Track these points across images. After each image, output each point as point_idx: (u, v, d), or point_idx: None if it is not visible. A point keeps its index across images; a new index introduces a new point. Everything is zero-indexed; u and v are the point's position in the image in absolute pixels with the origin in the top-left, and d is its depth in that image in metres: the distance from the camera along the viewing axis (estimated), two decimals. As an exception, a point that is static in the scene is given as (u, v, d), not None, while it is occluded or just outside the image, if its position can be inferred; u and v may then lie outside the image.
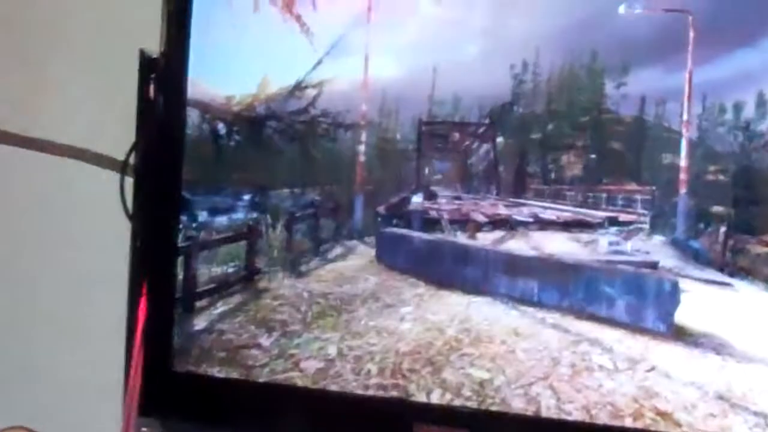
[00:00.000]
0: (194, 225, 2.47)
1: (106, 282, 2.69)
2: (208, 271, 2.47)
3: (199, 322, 2.45)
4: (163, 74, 2.52)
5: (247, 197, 2.45)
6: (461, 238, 2.33)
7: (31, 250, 3.12)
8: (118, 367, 2.52)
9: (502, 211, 2.33)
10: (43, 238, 3.11)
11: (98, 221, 2.89)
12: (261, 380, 2.38)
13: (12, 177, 3.24)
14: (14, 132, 3.17)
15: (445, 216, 2.34)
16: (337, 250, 2.41)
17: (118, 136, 2.66)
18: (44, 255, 3.09)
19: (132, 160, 2.64)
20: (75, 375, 2.98)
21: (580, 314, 2.22)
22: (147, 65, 2.55)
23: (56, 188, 3.10)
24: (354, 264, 2.39)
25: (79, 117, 3.13)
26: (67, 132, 3.08)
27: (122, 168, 2.65)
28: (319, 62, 2.39)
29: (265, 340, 2.39)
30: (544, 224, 2.33)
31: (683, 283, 2.16)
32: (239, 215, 2.45)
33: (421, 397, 2.26)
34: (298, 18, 2.42)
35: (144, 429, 2.45)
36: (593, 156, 2.30)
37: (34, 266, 3.10)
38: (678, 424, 2.10)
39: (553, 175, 2.33)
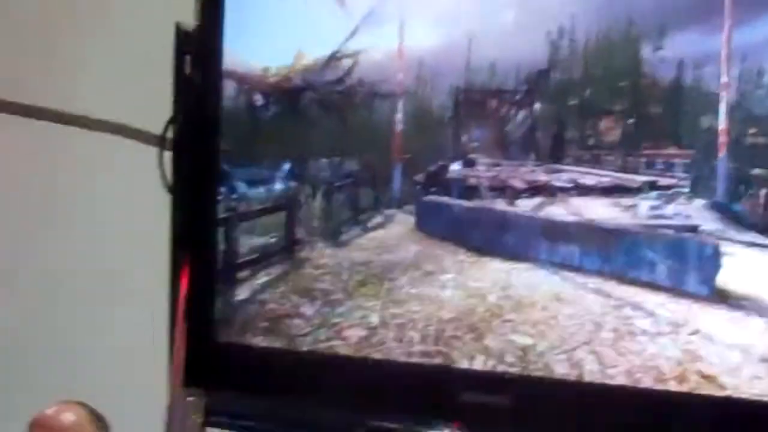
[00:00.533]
0: (234, 196, 2.48)
1: (147, 255, 2.70)
2: (248, 242, 2.48)
3: (241, 293, 2.46)
4: (199, 47, 2.53)
5: (285, 168, 2.46)
6: (501, 204, 2.34)
7: (73, 225, 3.15)
8: (161, 340, 2.54)
9: (541, 177, 2.33)
10: (83, 213, 3.13)
11: (138, 195, 2.90)
12: (304, 349, 2.40)
13: (50, 152, 3.26)
14: (52, 108, 3.19)
15: (484, 183, 2.35)
16: (377, 219, 2.42)
17: (156, 110, 2.67)
18: (85, 230, 3.11)
19: (170, 133, 2.64)
20: (119, 348, 3.01)
21: (622, 279, 2.23)
22: (183, 39, 2.55)
23: (95, 164, 3.12)
24: (394, 232, 2.40)
25: (117, 92, 3.14)
26: (105, 107, 3.10)
27: (160, 142, 2.66)
28: (354, 32, 2.39)
29: (307, 309, 2.41)
30: (583, 190, 2.33)
31: (725, 246, 2.16)
32: (278, 186, 2.46)
33: (464, 364, 2.27)
34: (333, -13, 2.42)
35: (189, 399, 2.47)
36: (631, 121, 2.30)
37: (76, 241, 3.13)
38: (722, 387, 2.11)
39: (591, 141, 2.33)
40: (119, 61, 3.15)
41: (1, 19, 3.39)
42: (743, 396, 2.11)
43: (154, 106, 2.66)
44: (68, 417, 2.99)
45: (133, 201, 2.96)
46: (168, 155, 2.64)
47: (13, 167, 3.39)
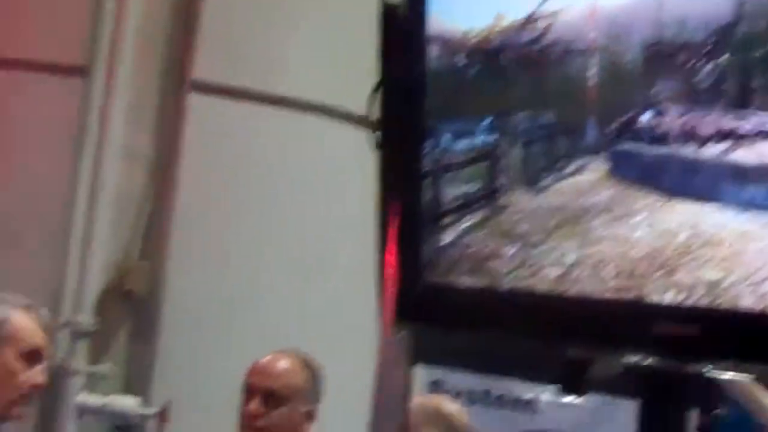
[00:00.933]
0: (439, 149, 2.67)
1: (357, 208, 2.91)
2: (453, 190, 2.67)
3: (446, 237, 2.65)
4: (404, 19, 2.73)
5: (487, 122, 2.64)
6: (689, 150, 2.47)
7: (289, 185, 3.39)
8: (370, 286, 2.74)
9: (729, 124, 2.45)
10: (298, 177, 3.37)
11: (346, 153, 3.12)
12: (505, 288, 2.57)
13: (256, 131, 3.51)
14: (262, 90, 3.44)
15: (674, 131, 2.48)
16: (572, 166, 2.57)
17: (360, 85, 2.85)
18: (301, 189, 3.35)
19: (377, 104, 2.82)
20: (332, 296, 3.24)
21: (808, 216, 2.33)
22: (388, 14, 2.75)
23: (300, 135, 3.36)
24: (588, 179, 2.55)
25: (322, 70, 3.37)
26: (310, 85, 3.33)
27: (367, 115, 2.81)
28: (551, -6, 2.57)
29: (507, 251, 2.58)
30: (768, 135, 2.44)
31: None
32: (480, 138, 2.65)
33: (655, 298, 2.41)
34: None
35: (399, 336, 2.67)
36: (816, 69, 2.40)
37: (291, 199, 3.37)
38: None
39: (776, 89, 2.44)
40: (324, 41, 3.37)
41: (212, 5, 3.65)
42: None
43: (359, 80, 2.86)
44: (282, 364, 3.25)
45: (342, 160, 3.18)
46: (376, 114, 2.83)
47: (227, 148, 3.65)
